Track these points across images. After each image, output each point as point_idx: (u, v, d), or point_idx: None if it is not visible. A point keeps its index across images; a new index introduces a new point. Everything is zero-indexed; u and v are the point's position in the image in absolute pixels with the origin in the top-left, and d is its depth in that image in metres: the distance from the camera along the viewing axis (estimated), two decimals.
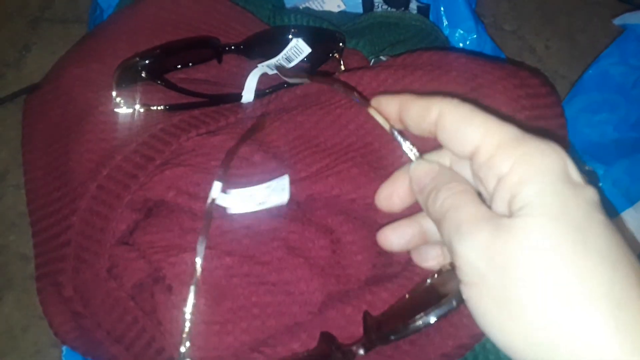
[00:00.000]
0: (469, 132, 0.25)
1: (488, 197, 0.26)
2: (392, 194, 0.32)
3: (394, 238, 0.33)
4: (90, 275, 0.39)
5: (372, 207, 0.39)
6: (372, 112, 0.31)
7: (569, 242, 0.22)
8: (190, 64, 0.46)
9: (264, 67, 0.47)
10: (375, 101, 0.31)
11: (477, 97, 0.38)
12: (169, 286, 0.36)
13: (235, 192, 0.38)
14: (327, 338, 0.34)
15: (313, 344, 0.36)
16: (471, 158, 0.26)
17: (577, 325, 0.21)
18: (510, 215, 0.23)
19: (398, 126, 0.31)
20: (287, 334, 0.37)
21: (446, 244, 0.25)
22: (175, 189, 0.38)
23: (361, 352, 0.33)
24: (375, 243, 0.38)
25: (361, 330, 0.36)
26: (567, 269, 0.21)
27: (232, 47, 0.47)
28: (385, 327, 0.32)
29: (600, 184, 0.56)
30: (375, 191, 0.33)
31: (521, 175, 0.23)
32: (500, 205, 0.24)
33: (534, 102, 0.40)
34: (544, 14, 0.75)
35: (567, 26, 0.74)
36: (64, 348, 0.46)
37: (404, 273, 0.38)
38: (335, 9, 0.62)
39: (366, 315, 0.34)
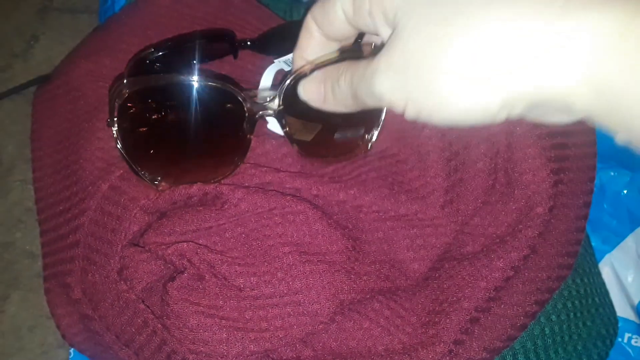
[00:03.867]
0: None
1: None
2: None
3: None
4: (99, 277, 0.38)
5: (389, 219, 0.38)
6: None
7: None
8: (205, 59, 0.45)
9: (280, 63, 0.46)
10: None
11: None
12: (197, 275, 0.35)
13: None
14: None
15: (326, 355, 0.35)
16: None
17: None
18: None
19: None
20: (299, 343, 0.36)
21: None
22: None
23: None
24: (389, 256, 0.37)
25: (378, 345, 0.35)
26: None
27: (248, 43, 0.45)
28: None
29: (626, 191, 0.55)
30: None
31: None
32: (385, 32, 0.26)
33: None
34: None
35: None
36: (72, 350, 0.45)
37: (417, 289, 0.37)
38: None
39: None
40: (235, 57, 0.45)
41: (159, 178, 0.37)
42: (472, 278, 0.36)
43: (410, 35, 0.23)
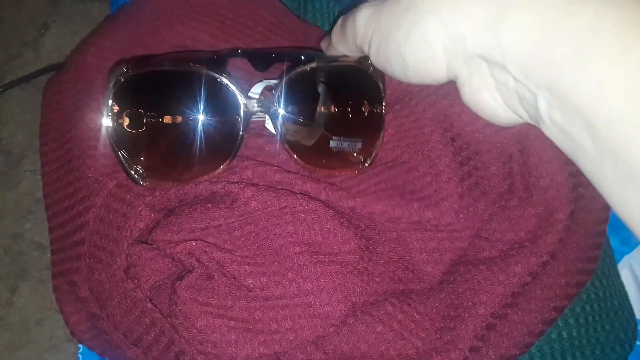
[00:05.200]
0: None
1: None
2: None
3: None
4: (106, 276, 0.37)
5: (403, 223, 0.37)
6: None
7: None
8: None
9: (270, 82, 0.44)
10: None
11: None
12: (206, 274, 0.35)
13: None
14: None
15: (337, 359, 0.35)
16: None
17: None
18: None
19: None
20: (309, 345, 0.35)
21: None
22: None
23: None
24: (402, 257, 0.36)
25: (391, 350, 0.34)
26: None
27: (239, 51, 0.44)
28: None
29: None
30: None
31: None
32: None
33: None
34: None
35: None
36: (81, 345, 0.44)
37: (432, 293, 0.36)
38: None
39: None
40: (225, 68, 0.44)
41: (145, 170, 0.37)
42: (488, 283, 0.35)
43: None
